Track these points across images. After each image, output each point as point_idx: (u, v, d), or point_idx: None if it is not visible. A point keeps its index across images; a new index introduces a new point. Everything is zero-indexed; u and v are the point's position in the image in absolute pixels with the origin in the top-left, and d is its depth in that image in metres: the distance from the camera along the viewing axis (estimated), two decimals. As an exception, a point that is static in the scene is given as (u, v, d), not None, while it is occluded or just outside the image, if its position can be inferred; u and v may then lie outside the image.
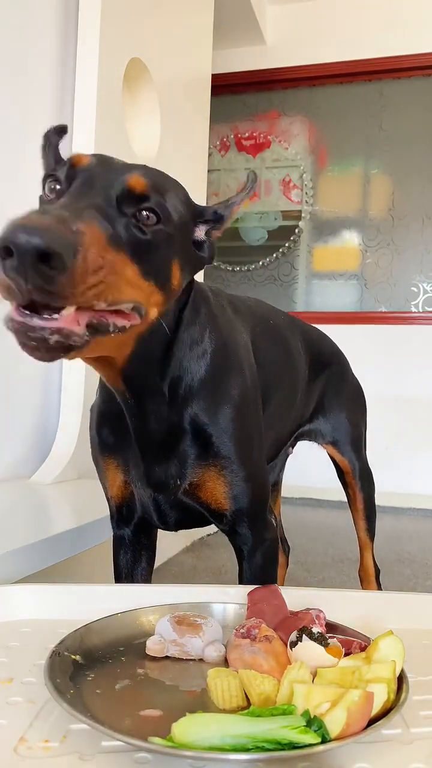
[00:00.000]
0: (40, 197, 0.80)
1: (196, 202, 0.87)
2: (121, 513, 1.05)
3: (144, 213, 0.72)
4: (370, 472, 1.57)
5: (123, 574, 1.09)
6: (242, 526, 0.97)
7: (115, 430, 0.98)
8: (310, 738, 0.46)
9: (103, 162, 0.75)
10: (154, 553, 1.12)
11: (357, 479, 1.53)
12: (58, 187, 0.74)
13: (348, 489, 1.56)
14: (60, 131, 0.87)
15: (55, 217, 0.58)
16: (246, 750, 0.46)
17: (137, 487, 0.99)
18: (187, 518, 1.00)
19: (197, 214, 0.87)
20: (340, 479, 1.56)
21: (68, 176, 0.73)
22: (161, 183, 0.77)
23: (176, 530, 1.04)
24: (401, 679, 0.56)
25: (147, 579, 1.11)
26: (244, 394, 0.98)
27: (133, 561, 1.09)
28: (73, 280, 0.58)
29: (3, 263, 0.56)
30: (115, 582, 1.10)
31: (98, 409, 1.02)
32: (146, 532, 1.09)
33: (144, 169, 0.76)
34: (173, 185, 0.81)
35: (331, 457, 1.54)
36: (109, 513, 1.08)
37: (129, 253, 0.68)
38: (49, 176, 0.76)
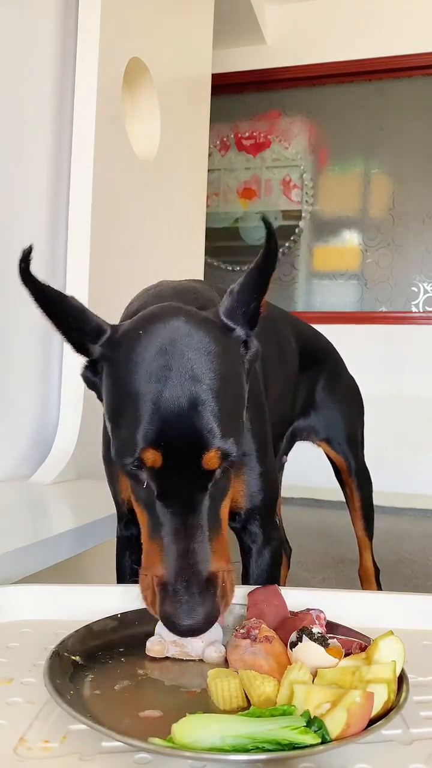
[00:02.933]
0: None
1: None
2: (132, 515, 1.05)
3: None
4: (367, 470, 1.56)
5: (127, 575, 1.09)
6: (254, 524, 0.97)
7: None
8: (310, 738, 0.46)
9: (174, 455, 0.68)
10: None
11: (353, 477, 1.53)
12: (140, 476, 0.69)
13: (345, 488, 1.56)
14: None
15: (205, 594, 0.63)
16: (246, 750, 0.46)
17: None
18: None
19: (245, 354, 0.79)
20: (337, 478, 1.56)
21: (147, 474, 0.68)
22: (227, 417, 0.69)
23: None
24: (401, 680, 0.56)
25: None
26: (257, 389, 0.98)
27: (137, 561, 1.09)
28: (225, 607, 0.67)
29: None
30: (118, 583, 1.10)
31: None
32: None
33: (213, 432, 0.67)
34: (231, 385, 0.72)
35: (327, 455, 1.54)
36: (116, 514, 1.08)
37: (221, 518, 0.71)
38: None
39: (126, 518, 1.06)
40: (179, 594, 0.63)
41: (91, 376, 0.78)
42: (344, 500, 1.58)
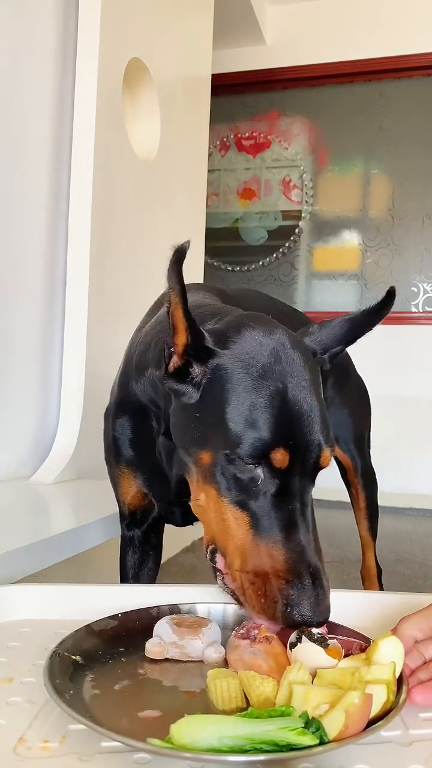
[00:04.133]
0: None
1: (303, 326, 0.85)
2: (135, 517, 1.05)
3: None
4: (373, 470, 1.56)
5: (130, 575, 1.09)
6: None
7: (134, 444, 1.00)
8: (308, 740, 0.46)
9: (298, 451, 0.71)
10: (161, 553, 1.13)
11: (359, 477, 1.53)
12: (253, 475, 0.70)
13: (350, 488, 1.56)
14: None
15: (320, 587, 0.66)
16: (244, 751, 0.46)
17: (158, 499, 1.01)
18: None
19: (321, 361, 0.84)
20: (342, 477, 1.56)
21: (268, 472, 0.70)
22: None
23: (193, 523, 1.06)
24: (401, 681, 0.56)
25: (153, 579, 1.12)
26: None
27: (140, 561, 1.10)
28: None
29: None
30: (121, 582, 1.10)
31: (117, 419, 1.02)
32: (155, 531, 1.11)
33: (327, 429, 0.73)
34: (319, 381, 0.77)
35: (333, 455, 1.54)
36: (119, 514, 1.09)
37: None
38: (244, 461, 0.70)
39: (128, 520, 1.07)
40: (307, 590, 0.65)
41: (178, 380, 0.77)
42: (345, 500, 1.58)
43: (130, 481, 1.02)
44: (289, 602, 0.65)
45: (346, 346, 0.86)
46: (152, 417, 0.94)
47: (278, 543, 0.68)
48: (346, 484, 1.56)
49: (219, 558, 0.74)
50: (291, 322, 1.33)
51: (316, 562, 0.67)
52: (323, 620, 0.65)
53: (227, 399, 0.72)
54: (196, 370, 0.75)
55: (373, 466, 1.58)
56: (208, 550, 0.75)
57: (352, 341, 0.85)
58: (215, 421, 0.72)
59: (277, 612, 0.65)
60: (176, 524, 1.06)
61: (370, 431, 1.61)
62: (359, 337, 0.85)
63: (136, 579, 1.09)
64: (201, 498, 0.76)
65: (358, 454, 1.52)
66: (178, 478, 0.89)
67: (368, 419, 1.61)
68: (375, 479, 1.57)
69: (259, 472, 0.69)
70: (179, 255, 0.69)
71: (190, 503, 0.79)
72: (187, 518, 1.03)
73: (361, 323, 0.84)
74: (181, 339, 0.74)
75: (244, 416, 0.70)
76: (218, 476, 0.72)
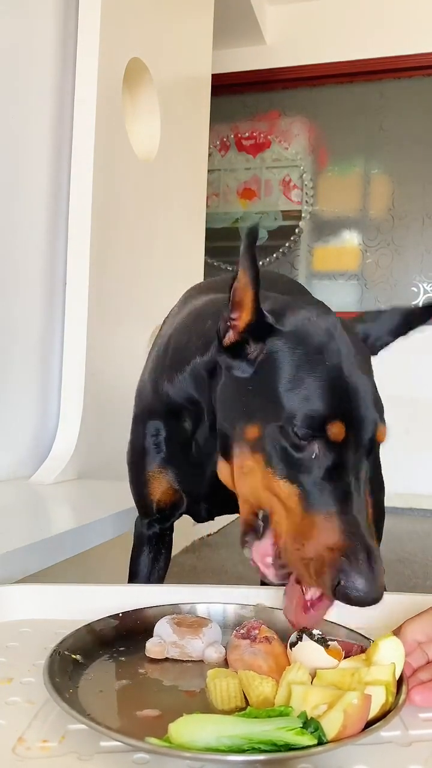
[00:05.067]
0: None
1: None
2: (163, 513, 1.06)
3: None
4: (381, 473, 1.55)
5: (142, 573, 1.10)
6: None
7: (168, 446, 1.01)
8: (306, 740, 0.46)
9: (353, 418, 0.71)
10: (171, 554, 1.14)
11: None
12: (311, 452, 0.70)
13: None
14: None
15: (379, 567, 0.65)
16: (242, 751, 0.46)
17: (190, 495, 1.03)
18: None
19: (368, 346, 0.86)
20: None
21: (324, 446, 0.70)
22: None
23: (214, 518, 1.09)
24: (401, 681, 0.56)
25: (161, 579, 1.13)
26: None
27: (154, 560, 1.11)
28: None
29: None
30: (130, 580, 1.12)
31: (149, 423, 1.03)
32: (171, 529, 1.13)
33: (381, 406, 0.75)
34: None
35: None
36: (139, 512, 1.10)
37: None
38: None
39: (153, 517, 1.07)
40: (363, 565, 0.63)
41: (233, 355, 0.78)
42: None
43: (161, 481, 1.03)
44: (343, 575, 0.63)
45: (396, 338, 0.86)
46: (186, 417, 0.95)
47: (333, 516, 0.67)
48: None
49: (254, 542, 0.73)
50: None
51: (370, 539, 0.66)
52: (377, 598, 0.63)
53: (283, 374, 0.73)
54: (253, 347, 0.77)
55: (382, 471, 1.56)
56: (259, 517, 0.74)
57: (404, 333, 0.86)
58: (269, 395, 0.73)
59: (328, 584, 0.64)
60: (199, 519, 1.08)
61: None
62: (411, 329, 0.86)
63: (147, 579, 1.10)
64: (245, 466, 0.75)
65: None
66: (212, 474, 0.89)
67: None
68: (383, 482, 1.56)
69: (315, 445, 0.69)
70: (253, 237, 0.71)
71: (234, 470, 0.78)
72: (211, 513, 1.06)
73: (415, 316, 0.85)
74: (246, 317, 0.76)
75: (300, 390, 0.71)
76: (268, 448, 0.72)
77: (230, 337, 0.78)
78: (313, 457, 0.69)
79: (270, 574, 0.70)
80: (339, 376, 0.72)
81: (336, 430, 0.69)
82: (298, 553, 0.67)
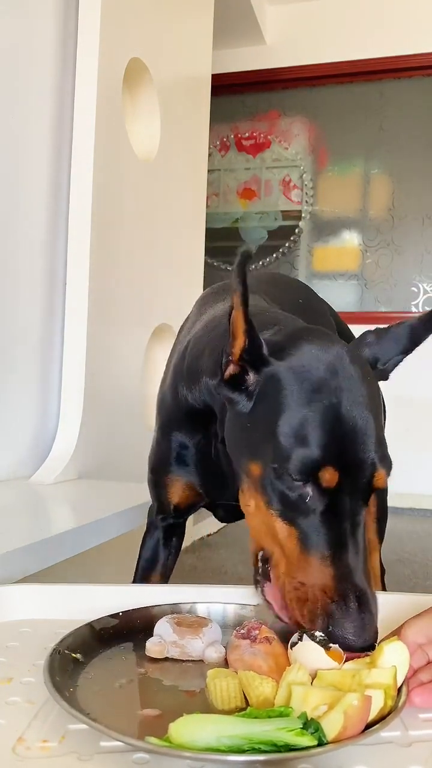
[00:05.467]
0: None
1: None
2: (179, 510, 1.07)
3: None
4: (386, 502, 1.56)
5: (149, 568, 1.11)
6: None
7: (192, 453, 1.01)
8: (306, 740, 0.46)
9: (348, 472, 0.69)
10: (182, 541, 1.16)
11: None
12: (302, 492, 0.69)
13: None
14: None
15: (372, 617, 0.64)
16: (242, 751, 0.46)
17: (211, 497, 1.05)
18: None
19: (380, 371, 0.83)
20: None
21: (317, 490, 0.69)
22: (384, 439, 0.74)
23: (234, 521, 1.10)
24: (402, 684, 0.56)
25: (167, 578, 1.14)
26: None
27: (165, 556, 1.12)
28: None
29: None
30: (135, 575, 1.13)
31: (174, 432, 1.03)
32: (184, 525, 1.14)
33: (383, 448, 0.72)
34: (381, 412, 0.76)
35: None
36: (155, 508, 1.11)
37: None
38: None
39: (169, 513, 1.09)
40: (352, 612, 0.63)
41: (233, 388, 0.77)
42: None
43: (182, 485, 1.04)
44: (333, 622, 0.63)
45: (406, 355, 0.83)
46: (207, 422, 0.95)
47: (325, 561, 0.66)
48: None
49: (269, 569, 0.73)
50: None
51: (364, 585, 0.65)
52: (366, 646, 0.62)
53: (278, 411, 0.71)
54: (251, 377, 0.75)
55: None
56: (259, 558, 0.74)
57: (411, 349, 0.83)
58: (266, 433, 0.71)
59: (320, 628, 0.64)
60: (217, 518, 1.10)
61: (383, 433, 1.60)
62: (419, 344, 0.83)
63: (154, 563, 1.12)
64: (251, 505, 0.75)
65: None
66: (231, 481, 0.89)
67: (383, 423, 1.60)
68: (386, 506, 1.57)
69: (308, 489, 0.68)
70: (245, 258, 0.69)
71: (241, 507, 0.78)
72: (228, 516, 1.07)
73: (420, 329, 0.82)
74: (239, 343, 0.74)
75: (295, 431, 0.69)
76: (268, 489, 0.71)
77: (230, 369, 0.76)
78: (307, 500, 0.68)
79: (284, 615, 0.70)
80: (336, 416, 0.69)
81: (328, 477, 0.67)
82: (295, 593, 0.67)
